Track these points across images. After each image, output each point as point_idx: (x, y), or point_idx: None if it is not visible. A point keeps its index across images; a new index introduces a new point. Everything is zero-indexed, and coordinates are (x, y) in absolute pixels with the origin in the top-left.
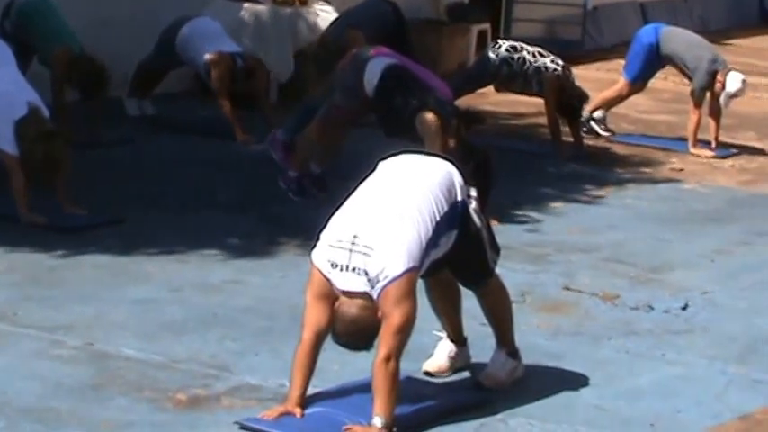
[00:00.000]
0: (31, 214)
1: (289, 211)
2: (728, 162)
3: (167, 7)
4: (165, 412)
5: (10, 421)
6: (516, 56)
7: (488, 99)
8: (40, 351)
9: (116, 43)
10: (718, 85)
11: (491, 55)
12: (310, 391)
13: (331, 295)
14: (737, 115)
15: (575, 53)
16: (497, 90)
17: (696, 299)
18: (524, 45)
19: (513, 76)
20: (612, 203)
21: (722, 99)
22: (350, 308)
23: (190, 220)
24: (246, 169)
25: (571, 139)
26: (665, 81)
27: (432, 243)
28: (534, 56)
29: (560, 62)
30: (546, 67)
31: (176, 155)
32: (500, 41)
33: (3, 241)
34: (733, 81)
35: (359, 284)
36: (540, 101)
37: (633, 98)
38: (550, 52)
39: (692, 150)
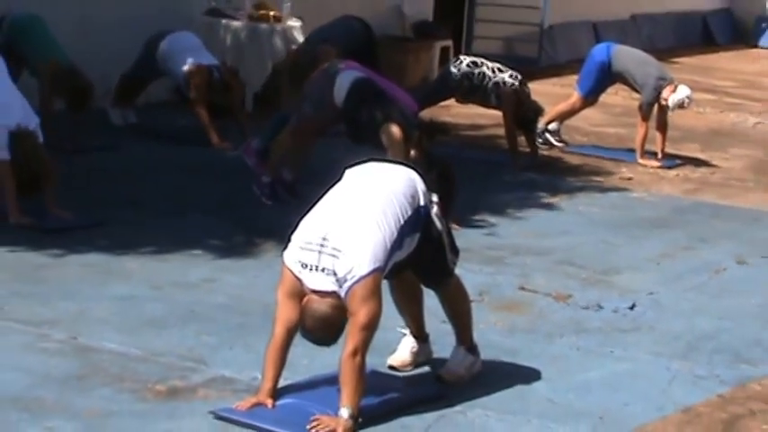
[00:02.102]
0: (20, 216)
1: (262, 214)
2: (674, 172)
3: (152, 26)
4: (144, 402)
5: None
6: (476, 71)
7: (450, 111)
8: (27, 344)
9: (102, 59)
10: (668, 92)
11: (453, 70)
12: (281, 383)
13: (301, 294)
14: (682, 128)
15: (531, 69)
16: (459, 102)
17: (643, 299)
18: (484, 61)
19: (474, 90)
20: (565, 210)
21: (670, 102)
22: (320, 305)
23: (169, 223)
24: (223, 175)
25: (527, 150)
26: (616, 96)
27: (396, 245)
28: (493, 71)
29: (518, 76)
30: (504, 82)
31: (157, 161)
32: (461, 57)
33: None
34: (682, 90)
35: (327, 284)
36: (499, 113)
37: (586, 111)
38: (509, 68)
39: (639, 161)
